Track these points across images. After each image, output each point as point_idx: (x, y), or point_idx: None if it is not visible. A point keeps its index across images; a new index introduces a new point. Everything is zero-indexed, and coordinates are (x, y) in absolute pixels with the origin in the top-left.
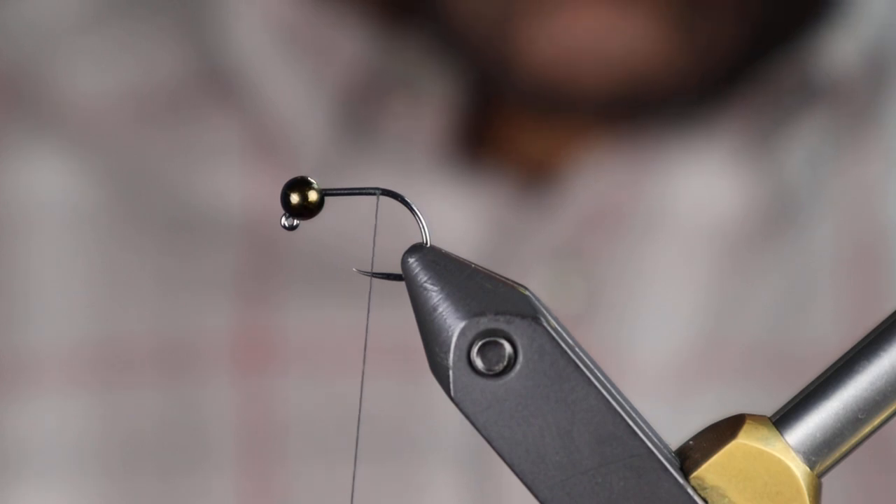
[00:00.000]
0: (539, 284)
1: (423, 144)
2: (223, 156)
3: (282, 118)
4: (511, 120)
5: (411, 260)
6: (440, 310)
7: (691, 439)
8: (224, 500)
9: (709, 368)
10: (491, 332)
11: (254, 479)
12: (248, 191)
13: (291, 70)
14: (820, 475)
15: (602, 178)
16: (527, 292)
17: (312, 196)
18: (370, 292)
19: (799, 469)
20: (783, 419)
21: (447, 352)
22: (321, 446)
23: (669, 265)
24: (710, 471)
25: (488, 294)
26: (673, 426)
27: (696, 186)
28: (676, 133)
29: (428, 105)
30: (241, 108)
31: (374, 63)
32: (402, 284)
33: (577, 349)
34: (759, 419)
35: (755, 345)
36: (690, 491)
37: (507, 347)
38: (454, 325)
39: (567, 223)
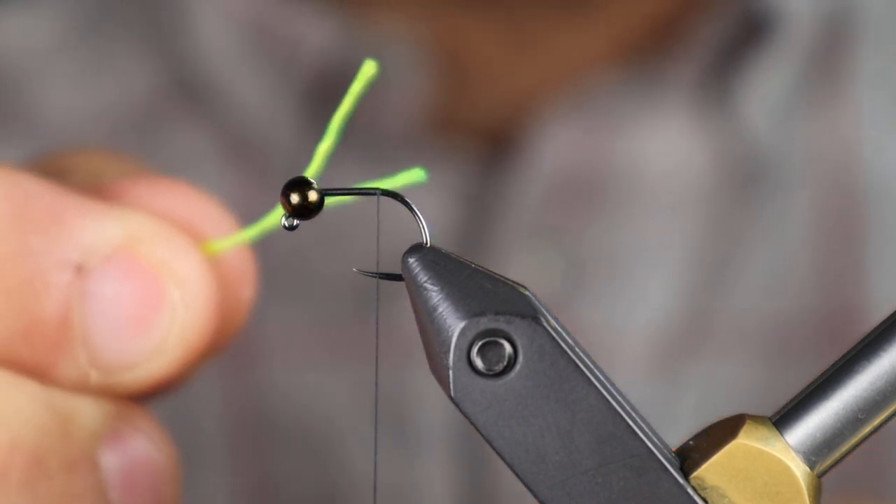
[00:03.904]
0: (519, 261)
1: (392, 132)
2: (199, 161)
3: (253, 118)
4: (476, 59)
5: (411, 260)
6: (440, 310)
7: (691, 439)
8: (216, 492)
9: (691, 339)
10: (491, 332)
11: (244, 473)
12: (225, 194)
13: (259, 69)
14: (820, 475)
15: (567, 145)
16: (527, 292)
17: (312, 196)
18: (378, 292)
19: (799, 469)
20: (783, 419)
21: (447, 352)
22: (310, 440)
23: (643, 235)
24: (710, 471)
25: (488, 294)
26: (660, 399)
27: (659, 145)
28: (632, 86)
29: (393, 91)
30: (213, 112)
31: (337, 54)
32: (391, 282)
33: (577, 349)
34: (759, 419)
35: (735, 313)
36: (690, 491)
37: (507, 347)
38: (454, 325)
39: (539, 196)
